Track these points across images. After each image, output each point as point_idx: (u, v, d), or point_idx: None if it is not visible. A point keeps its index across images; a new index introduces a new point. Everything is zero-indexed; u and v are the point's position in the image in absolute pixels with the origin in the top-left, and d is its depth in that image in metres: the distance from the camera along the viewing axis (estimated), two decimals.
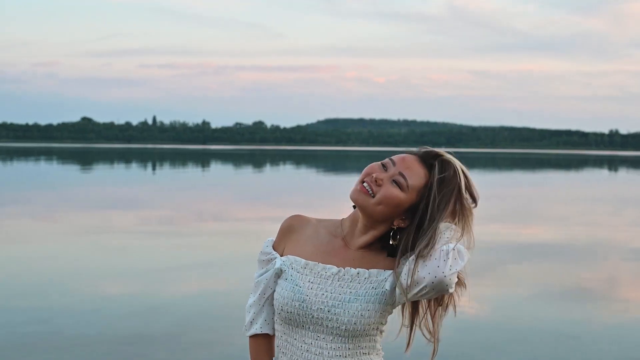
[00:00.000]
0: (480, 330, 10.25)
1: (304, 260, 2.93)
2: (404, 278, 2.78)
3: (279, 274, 2.96)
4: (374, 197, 2.84)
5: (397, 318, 3.01)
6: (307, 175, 59.02)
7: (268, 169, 72.27)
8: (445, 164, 2.88)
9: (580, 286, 13.67)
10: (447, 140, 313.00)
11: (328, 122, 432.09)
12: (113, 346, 9.17)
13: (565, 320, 10.95)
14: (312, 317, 2.84)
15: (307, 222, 3.02)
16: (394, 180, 2.85)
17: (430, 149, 2.96)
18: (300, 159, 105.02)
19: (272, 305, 2.99)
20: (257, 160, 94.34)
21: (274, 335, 3.01)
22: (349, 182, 49.07)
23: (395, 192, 2.84)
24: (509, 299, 12.35)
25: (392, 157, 2.90)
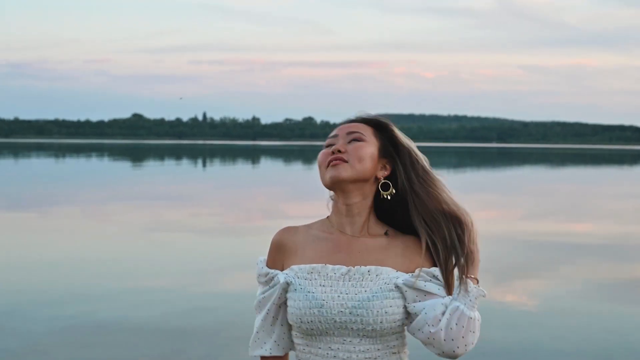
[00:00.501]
0: (533, 326, 10.15)
1: (308, 265, 2.78)
2: (425, 321, 2.74)
3: (286, 288, 2.80)
4: (347, 162, 2.80)
5: None
6: None
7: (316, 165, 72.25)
8: (379, 120, 2.96)
9: (634, 283, 13.50)
10: (498, 135, 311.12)
11: None
12: (154, 341, 9.25)
13: (618, 317, 10.83)
14: (335, 322, 2.71)
15: (296, 231, 2.91)
16: (350, 141, 2.84)
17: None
18: None
19: (283, 325, 2.87)
20: (307, 156, 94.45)
21: (285, 355, 2.92)
22: None
23: (360, 144, 2.83)
24: (561, 295, 12.22)
25: (332, 133, 2.93)
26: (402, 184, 2.86)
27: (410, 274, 2.75)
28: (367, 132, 2.86)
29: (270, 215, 24.16)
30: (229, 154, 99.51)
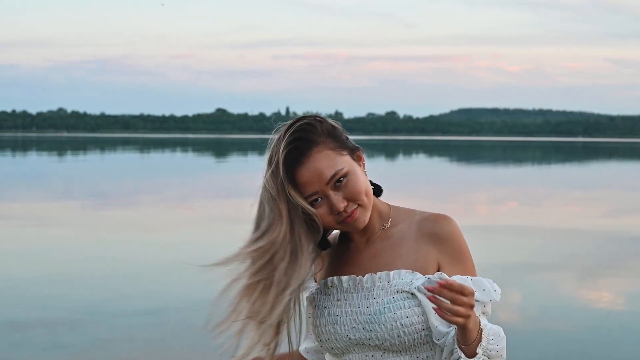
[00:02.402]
0: (618, 327, 9.97)
1: (327, 278, 2.59)
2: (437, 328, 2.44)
3: (312, 303, 2.61)
4: (359, 205, 2.49)
5: None
6: (440, 166, 58.65)
7: (400, 159, 72.08)
8: (311, 125, 2.49)
9: None
10: (584, 130, 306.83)
11: (461, 112, 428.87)
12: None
13: None
14: (350, 339, 2.48)
15: None
16: (335, 184, 2.47)
17: (274, 139, 2.51)
18: (432, 150, 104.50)
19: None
20: (390, 151, 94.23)
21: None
22: (483, 172, 48.54)
23: (349, 182, 2.47)
24: None
25: (308, 190, 2.47)
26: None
27: (427, 276, 2.47)
28: (331, 156, 2.48)
29: None
30: None
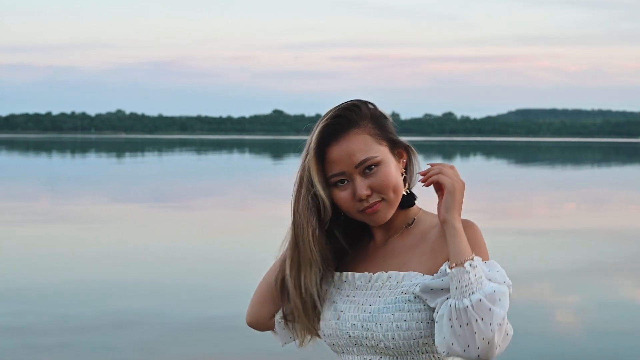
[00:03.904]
0: None
1: (337, 272, 2.55)
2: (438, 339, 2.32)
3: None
4: (383, 199, 2.44)
5: None
6: (498, 168, 58.26)
7: (458, 160, 71.73)
8: (357, 107, 2.48)
9: None
10: None
11: (519, 112, 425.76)
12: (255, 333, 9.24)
13: None
14: (349, 336, 2.43)
15: None
16: (364, 170, 2.43)
17: (332, 114, 2.48)
18: (490, 151, 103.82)
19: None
20: (447, 152, 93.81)
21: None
22: (541, 174, 48.10)
23: (379, 172, 2.43)
24: None
25: (335, 168, 2.44)
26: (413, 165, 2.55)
27: (433, 275, 2.38)
28: (369, 141, 2.45)
29: None
30: None
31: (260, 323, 2.65)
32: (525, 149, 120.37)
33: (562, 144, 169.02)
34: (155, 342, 9.09)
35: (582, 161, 71.46)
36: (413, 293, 2.35)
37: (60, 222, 20.14)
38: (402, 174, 2.51)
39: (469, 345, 2.24)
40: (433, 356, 2.38)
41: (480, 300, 2.24)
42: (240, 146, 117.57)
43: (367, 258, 2.53)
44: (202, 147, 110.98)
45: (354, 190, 2.42)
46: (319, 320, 2.52)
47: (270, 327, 2.64)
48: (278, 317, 2.61)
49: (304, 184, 2.47)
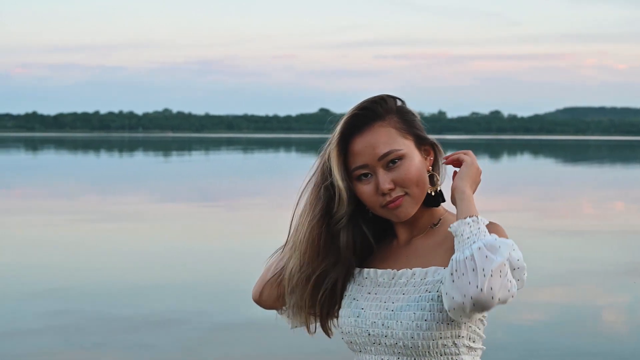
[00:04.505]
0: None
1: (358, 268, 2.50)
2: (444, 297, 2.27)
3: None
4: (407, 194, 2.40)
5: None
6: (546, 166, 57.82)
7: (505, 159, 71.30)
8: (384, 100, 2.45)
9: None
10: None
11: (566, 110, 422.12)
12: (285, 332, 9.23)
13: None
14: (369, 334, 2.38)
15: None
16: (388, 164, 2.40)
17: (361, 106, 2.45)
18: (538, 149, 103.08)
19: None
20: (494, 150, 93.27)
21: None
22: (590, 173, 47.67)
23: (402, 166, 2.39)
24: None
25: (358, 160, 2.41)
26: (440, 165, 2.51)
27: None
28: (393, 135, 2.41)
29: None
30: None
31: (267, 301, 2.62)
32: (573, 147, 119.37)
33: (610, 142, 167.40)
34: (196, 341, 9.12)
35: (631, 160, 70.70)
36: (438, 292, 2.31)
37: (105, 222, 20.29)
38: (429, 172, 2.47)
39: (464, 295, 2.18)
40: (451, 357, 2.35)
41: (479, 248, 2.20)
42: (286, 145, 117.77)
43: (389, 256, 2.50)
44: (248, 145, 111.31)
45: (377, 184, 2.39)
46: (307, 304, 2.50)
47: (277, 307, 2.61)
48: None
49: (320, 173, 2.47)
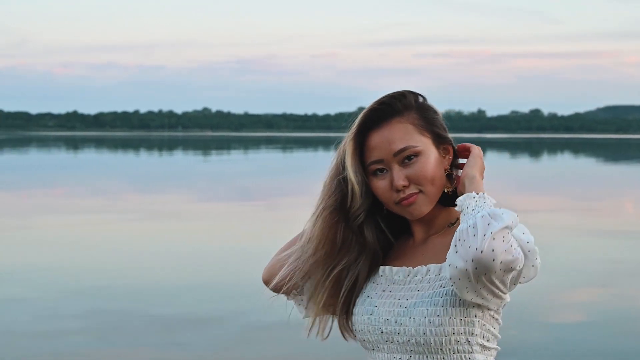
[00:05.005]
0: None
1: (380, 267, 2.48)
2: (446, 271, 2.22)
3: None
4: (421, 191, 2.37)
5: None
6: (587, 165, 57.40)
7: (545, 158, 70.88)
8: (404, 96, 2.43)
9: None
10: None
11: (608, 109, 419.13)
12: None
13: None
14: (382, 332, 2.35)
15: None
16: (403, 160, 2.37)
17: (380, 101, 2.42)
18: (578, 148, 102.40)
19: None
20: (534, 149, 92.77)
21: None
22: (631, 172, 47.27)
23: (418, 162, 2.36)
24: None
25: (374, 155, 2.39)
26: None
27: None
28: (411, 131, 2.38)
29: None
30: None
31: (277, 283, 2.57)
32: (614, 146, 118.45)
33: None
34: (232, 341, 9.17)
35: None
36: (452, 286, 2.25)
37: (144, 221, 20.38)
38: (447, 171, 2.44)
39: (466, 260, 2.14)
40: (464, 356, 2.30)
41: (482, 216, 2.17)
42: (325, 144, 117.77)
43: (405, 254, 2.47)
44: (287, 144, 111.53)
45: (391, 179, 2.37)
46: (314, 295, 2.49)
47: (289, 289, 2.56)
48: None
49: (336, 166, 2.46)
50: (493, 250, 2.12)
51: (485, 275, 2.15)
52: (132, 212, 22.21)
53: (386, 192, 2.38)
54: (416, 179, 2.36)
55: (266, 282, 2.62)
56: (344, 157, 2.42)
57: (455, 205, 2.37)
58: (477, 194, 2.30)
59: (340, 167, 2.44)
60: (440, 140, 2.44)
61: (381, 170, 2.39)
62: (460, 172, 2.45)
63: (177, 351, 8.75)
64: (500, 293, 2.25)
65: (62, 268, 13.29)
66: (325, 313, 2.53)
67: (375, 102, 2.42)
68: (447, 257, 2.21)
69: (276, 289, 2.59)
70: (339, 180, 2.44)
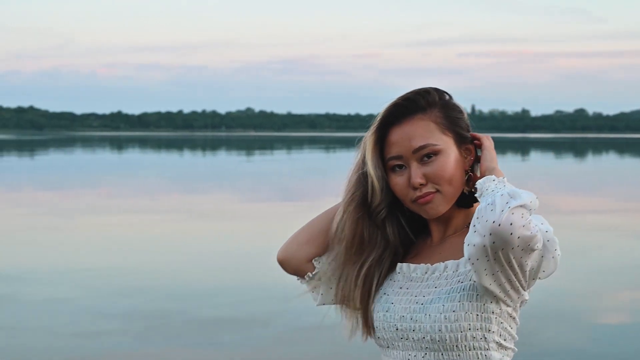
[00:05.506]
0: None
1: (399, 264, 2.45)
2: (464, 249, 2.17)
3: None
4: (438, 191, 2.33)
5: None
6: (632, 166, 56.89)
7: (590, 158, 70.33)
8: (428, 93, 2.39)
9: None
10: None
11: None
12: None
13: None
14: (397, 329, 2.32)
15: None
16: (423, 158, 2.33)
17: (404, 97, 2.39)
18: (624, 148, 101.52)
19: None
20: (579, 149, 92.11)
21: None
22: None
23: (437, 161, 2.33)
24: None
25: (393, 151, 2.36)
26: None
27: None
28: (432, 129, 2.35)
29: (542, 209, 23.55)
30: (498, 146, 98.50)
31: (293, 263, 2.53)
32: None
33: None
34: (271, 341, 9.18)
35: None
36: (470, 280, 2.24)
37: (187, 221, 20.45)
38: (467, 172, 2.40)
39: (484, 235, 2.10)
40: (480, 353, 2.26)
41: (502, 195, 2.14)
42: None
43: (422, 253, 2.44)
44: (330, 144, 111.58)
45: (409, 177, 2.35)
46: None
47: (304, 271, 2.53)
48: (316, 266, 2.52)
49: (359, 159, 2.44)
50: (511, 224, 2.08)
51: (502, 251, 2.10)
52: (174, 212, 22.30)
53: (403, 189, 2.36)
54: (434, 178, 2.33)
55: (281, 262, 2.56)
56: (364, 151, 2.40)
57: (470, 205, 2.37)
58: (497, 178, 2.27)
59: (361, 162, 2.42)
60: (462, 140, 2.40)
61: (400, 166, 2.37)
62: (478, 171, 2.41)
63: (216, 352, 8.75)
64: (517, 284, 2.21)
65: (103, 268, 13.34)
66: (351, 310, 2.49)
67: (400, 97, 2.39)
68: (465, 239, 2.17)
69: (292, 269, 2.55)
70: (360, 176, 2.42)
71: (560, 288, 11.15)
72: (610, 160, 65.43)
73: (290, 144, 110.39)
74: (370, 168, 2.38)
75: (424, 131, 2.34)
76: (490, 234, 2.09)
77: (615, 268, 13.41)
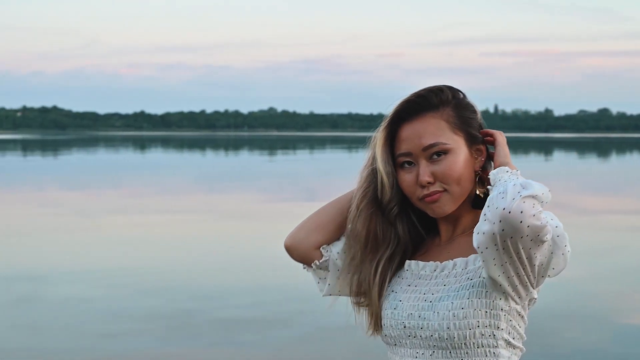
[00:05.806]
0: None
1: (407, 261, 2.43)
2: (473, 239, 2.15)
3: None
4: (445, 190, 2.32)
5: None
6: None
7: (614, 158, 69.98)
8: (442, 91, 2.37)
9: None
10: None
11: None
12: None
13: None
14: (405, 327, 2.30)
15: None
16: (432, 156, 2.32)
17: (416, 94, 2.38)
18: None
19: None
20: (602, 149, 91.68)
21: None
22: None
23: (447, 160, 2.31)
24: None
25: (403, 147, 2.35)
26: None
27: None
28: (443, 127, 2.33)
29: (566, 208, 23.50)
30: (521, 147, 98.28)
31: (300, 250, 2.51)
32: None
33: None
34: (296, 341, 9.16)
35: None
36: (480, 277, 2.23)
37: (211, 221, 20.47)
38: (477, 173, 2.38)
39: (494, 223, 2.08)
40: (489, 351, 2.24)
41: (514, 185, 2.12)
42: None
43: (431, 251, 2.43)
44: (352, 144, 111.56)
45: (417, 174, 2.33)
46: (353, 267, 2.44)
47: (311, 259, 2.50)
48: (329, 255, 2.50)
49: (370, 156, 2.44)
50: (522, 212, 2.06)
51: (512, 239, 2.08)
52: (196, 212, 22.33)
53: (411, 186, 2.35)
54: (442, 177, 2.32)
55: (288, 248, 2.54)
56: (374, 147, 2.40)
57: (481, 208, 2.30)
58: (510, 170, 2.26)
59: (372, 158, 2.42)
60: (473, 141, 2.38)
61: (409, 163, 2.35)
62: (491, 169, 2.38)
63: (237, 352, 8.75)
64: (526, 278, 2.19)
65: (126, 268, 13.37)
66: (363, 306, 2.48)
67: (412, 94, 2.38)
68: (475, 228, 2.15)
69: (299, 256, 2.53)
70: (370, 171, 2.42)
71: (584, 288, 11.09)
72: (634, 160, 65.08)
73: (313, 144, 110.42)
74: (380, 164, 2.37)
75: (434, 129, 2.33)
76: (500, 221, 2.07)
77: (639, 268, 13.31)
